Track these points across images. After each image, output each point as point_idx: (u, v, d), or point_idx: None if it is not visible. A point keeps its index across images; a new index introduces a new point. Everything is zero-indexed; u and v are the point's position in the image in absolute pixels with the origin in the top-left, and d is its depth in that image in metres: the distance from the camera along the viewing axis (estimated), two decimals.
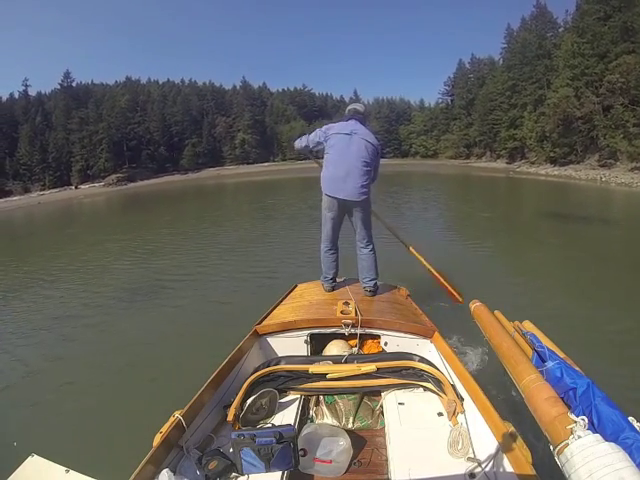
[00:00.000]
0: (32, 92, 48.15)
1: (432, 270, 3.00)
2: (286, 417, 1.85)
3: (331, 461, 1.59)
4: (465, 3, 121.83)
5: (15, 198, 40.19)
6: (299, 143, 2.88)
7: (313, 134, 2.73)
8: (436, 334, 2.15)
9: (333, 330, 2.26)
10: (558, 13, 36.88)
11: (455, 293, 2.94)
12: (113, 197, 32.94)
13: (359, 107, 2.78)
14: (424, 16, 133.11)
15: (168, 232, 11.33)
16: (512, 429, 1.38)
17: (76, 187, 43.74)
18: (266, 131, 54.54)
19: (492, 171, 30.45)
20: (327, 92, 67.22)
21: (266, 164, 51.20)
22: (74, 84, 49.17)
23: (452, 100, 48.06)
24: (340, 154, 2.52)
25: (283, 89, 63.05)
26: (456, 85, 47.09)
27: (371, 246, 2.74)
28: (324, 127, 2.70)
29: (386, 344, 2.27)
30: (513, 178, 24.81)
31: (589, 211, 11.33)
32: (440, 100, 51.09)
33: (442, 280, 2.98)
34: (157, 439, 1.41)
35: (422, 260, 3.05)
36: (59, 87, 47.81)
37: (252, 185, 31.50)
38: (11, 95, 47.62)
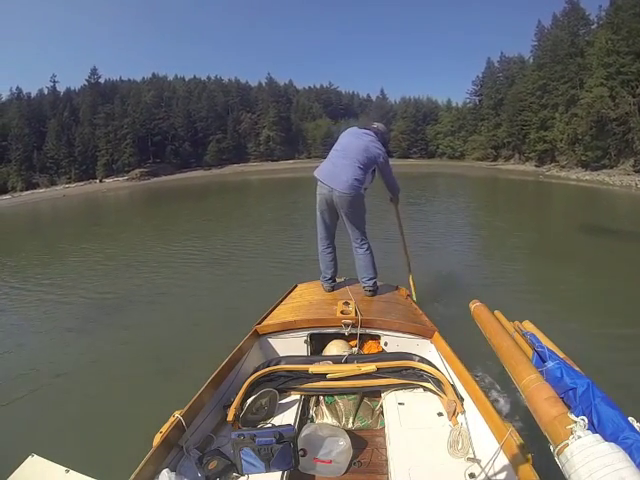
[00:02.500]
0: (62, 88, 50.00)
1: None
2: (286, 417, 1.85)
3: (331, 461, 1.59)
4: (495, 2, 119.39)
5: (41, 190, 41.78)
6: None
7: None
8: (436, 334, 2.15)
9: (333, 330, 2.26)
10: (591, 9, 33.41)
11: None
12: (135, 191, 33.26)
13: (380, 125, 2.84)
14: (452, 14, 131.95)
15: (178, 229, 11.35)
16: (512, 429, 1.38)
17: (100, 181, 44.95)
18: (291, 128, 54.19)
19: (521, 174, 28.98)
20: (353, 90, 66.12)
21: (291, 161, 50.56)
22: (102, 81, 50.70)
23: (480, 100, 46.04)
24: (341, 148, 2.59)
25: (309, 86, 62.47)
26: (484, 84, 45.27)
27: (366, 245, 2.74)
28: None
29: (386, 344, 2.28)
30: (543, 182, 23.29)
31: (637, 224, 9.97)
32: (468, 100, 49.03)
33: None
34: (157, 439, 1.41)
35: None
36: (86, 83, 49.35)
37: (276, 182, 30.94)
38: (40, 91, 49.43)
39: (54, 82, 49.05)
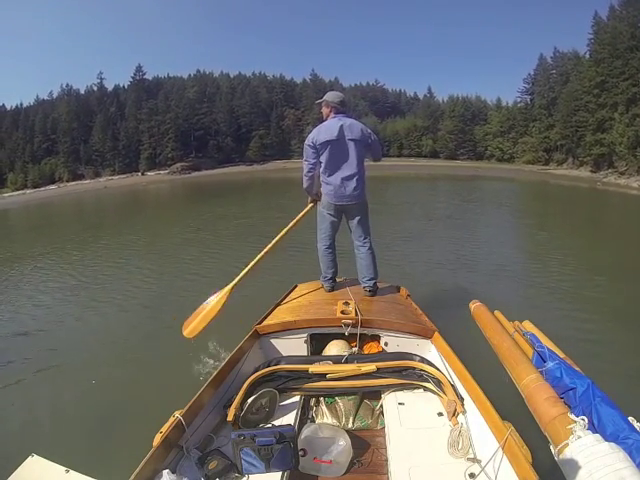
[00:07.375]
0: (110, 85, 52.92)
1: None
2: (286, 417, 1.85)
3: (331, 461, 1.59)
4: None
5: (85, 182, 44.93)
6: (309, 185, 2.63)
7: (308, 157, 2.54)
8: (436, 334, 2.15)
9: (333, 330, 2.26)
10: None
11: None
12: (175, 185, 34.16)
13: (339, 97, 2.56)
14: (502, 11, 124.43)
15: (193, 228, 11.09)
16: (512, 429, 1.37)
17: (142, 174, 47.13)
18: None
19: (574, 180, 26.27)
20: (400, 88, 64.16)
21: None
22: (150, 77, 53.60)
23: (532, 99, 42.83)
24: (334, 163, 2.52)
25: (355, 84, 61.03)
26: (536, 82, 41.96)
27: (369, 244, 2.74)
28: (309, 139, 2.52)
29: (386, 344, 2.28)
30: (601, 191, 20.88)
31: None
32: (518, 99, 45.76)
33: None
34: (157, 439, 1.41)
35: None
36: (132, 80, 52.14)
37: None
38: (89, 87, 52.75)
39: (101, 79, 52.31)
